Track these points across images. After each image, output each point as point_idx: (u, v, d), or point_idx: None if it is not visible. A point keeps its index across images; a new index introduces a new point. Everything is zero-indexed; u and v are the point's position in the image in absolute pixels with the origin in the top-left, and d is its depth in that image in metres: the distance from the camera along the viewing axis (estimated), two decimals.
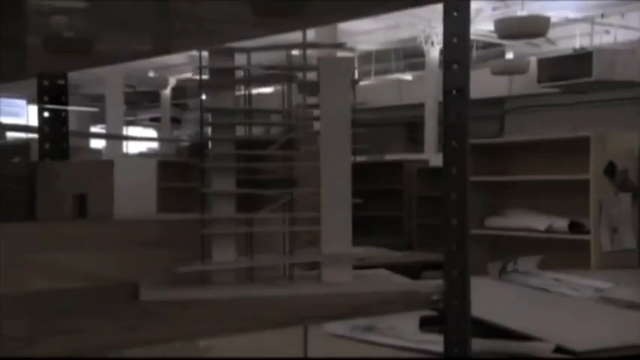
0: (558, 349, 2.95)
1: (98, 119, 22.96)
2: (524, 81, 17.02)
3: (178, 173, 7.91)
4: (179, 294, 1.54)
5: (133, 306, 1.49)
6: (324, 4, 1.82)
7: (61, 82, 2.34)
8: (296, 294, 1.57)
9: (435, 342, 2.87)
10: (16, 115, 23.03)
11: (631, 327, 3.36)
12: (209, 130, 1.68)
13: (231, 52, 1.67)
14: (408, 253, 6.88)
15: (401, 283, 1.93)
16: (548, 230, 5.22)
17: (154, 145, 10.98)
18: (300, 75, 1.74)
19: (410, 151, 17.86)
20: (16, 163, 1.85)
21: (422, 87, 17.88)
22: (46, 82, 2.31)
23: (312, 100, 1.76)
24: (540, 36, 13.19)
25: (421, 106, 17.68)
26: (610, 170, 5.18)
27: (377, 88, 20.15)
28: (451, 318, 1.57)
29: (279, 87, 1.75)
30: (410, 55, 19.70)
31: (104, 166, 2.00)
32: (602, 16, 15.66)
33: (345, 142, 1.75)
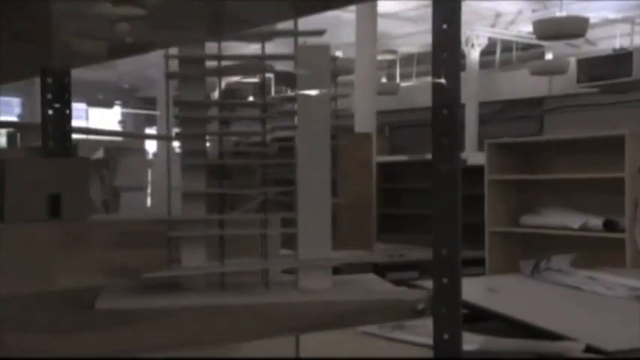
0: (589, 349, 2.81)
1: (153, 121, 23.18)
2: (563, 81, 16.80)
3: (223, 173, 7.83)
4: (138, 303, 1.37)
5: (89, 316, 1.33)
6: None
7: (66, 79, 2.25)
8: (268, 302, 1.43)
9: (465, 341, 2.76)
10: (78, 117, 23.39)
11: None
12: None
13: (201, 42, 1.55)
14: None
15: (385, 290, 1.76)
16: (583, 228, 5.06)
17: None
18: (278, 66, 1.58)
19: None
20: None
21: (462, 88, 17.64)
22: (50, 80, 2.21)
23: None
24: (579, 36, 12.94)
25: (462, 106, 17.48)
26: None
27: (419, 90, 20.00)
28: (440, 327, 1.41)
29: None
30: None
31: (80, 164, 1.88)
32: None
33: (323, 135, 1.54)
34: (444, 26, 1.47)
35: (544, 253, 4.40)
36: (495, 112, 18.63)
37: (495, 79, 18.61)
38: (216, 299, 1.43)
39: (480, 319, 3.49)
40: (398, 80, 19.89)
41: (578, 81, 16.21)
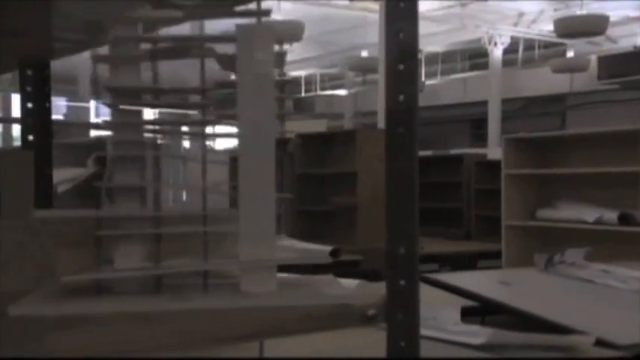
0: (599, 343, 2.69)
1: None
2: (585, 78, 16.65)
3: None
4: (55, 309, 1.19)
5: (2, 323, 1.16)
6: None
7: (46, 71, 2.08)
8: (200, 308, 1.23)
9: (472, 334, 2.66)
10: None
11: None
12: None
13: (134, 22, 1.34)
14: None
15: (336, 294, 1.54)
16: (598, 222, 4.92)
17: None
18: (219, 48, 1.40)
19: (475, 145, 17.54)
20: None
21: (485, 85, 17.55)
22: (29, 72, 2.07)
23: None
24: (599, 34, 12.73)
25: (484, 103, 17.35)
26: None
27: (443, 87, 19.89)
28: (395, 334, 1.24)
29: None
30: (474, 56, 19.35)
31: (23, 159, 1.74)
32: None
33: (267, 121, 1.35)
34: (400, 35, 1.24)
35: (559, 246, 4.28)
36: (518, 109, 18.47)
37: (518, 76, 18.44)
38: (143, 305, 1.24)
39: (492, 312, 3.39)
40: (423, 78, 19.76)
41: (599, 78, 16.03)
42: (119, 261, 1.29)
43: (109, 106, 1.33)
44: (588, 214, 4.96)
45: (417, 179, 1.29)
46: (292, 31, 11.69)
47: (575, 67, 15.98)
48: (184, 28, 1.51)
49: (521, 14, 16.00)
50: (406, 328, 1.23)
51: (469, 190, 8.22)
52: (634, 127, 4.93)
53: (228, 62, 1.38)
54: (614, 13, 13.43)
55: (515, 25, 16.62)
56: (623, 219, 4.93)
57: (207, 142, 1.56)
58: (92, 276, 1.29)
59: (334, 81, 23.13)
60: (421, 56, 19.77)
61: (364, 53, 16.12)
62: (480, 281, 3.63)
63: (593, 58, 16.25)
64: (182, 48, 1.40)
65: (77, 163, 5.56)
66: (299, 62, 21.76)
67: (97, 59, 1.32)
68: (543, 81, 17.45)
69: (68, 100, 22.38)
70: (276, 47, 1.37)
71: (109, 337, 1.16)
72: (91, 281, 1.28)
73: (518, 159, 5.20)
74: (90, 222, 1.32)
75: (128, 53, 1.31)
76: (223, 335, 1.21)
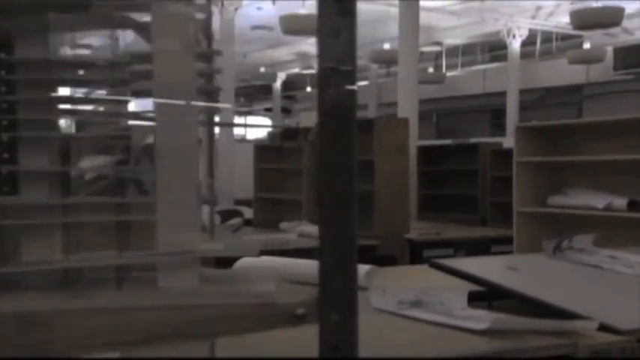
0: (603, 328, 2.59)
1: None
2: (601, 69, 16.45)
3: (273, 155, 7.76)
4: None
5: None
6: None
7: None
8: (110, 306, 1.06)
9: (476, 319, 2.57)
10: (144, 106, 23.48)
11: None
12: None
13: None
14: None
15: (262, 292, 1.32)
16: (608, 209, 4.79)
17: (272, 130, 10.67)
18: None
19: (494, 135, 17.36)
20: None
21: (504, 77, 17.37)
22: None
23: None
24: (614, 26, 12.48)
25: (503, 93, 17.17)
26: None
27: (463, 79, 19.72)
28: (329, 336, 1.05)
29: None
30: (493, 48, 19.16)
31: None
32: None
33: (186, 96, 1.15)
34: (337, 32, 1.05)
35: (569, 232, 4.16)
36: (536, 99, 18.25)
37: (535, 68, 18.23)
38: (40, 303, 1.08)
39: (499, 297, 3.30)
40: (444, 70, 19.59)
41: (615, 69, 15.83)
42: (26, 253, 1.13)
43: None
44: (598, 200, 4.83)
45: (354, 171, 1.16)
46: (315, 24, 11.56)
47: (591, 59, 15.77)
48: None
49: (538, 7, 15.78)
50: (342, 329, 1.04)
51: (485, 177, 8.12)
52: None
53: (146, 33, 1.21)
54: (630, 5, 13.17)
55: (533, 18, 16.40)
56: (633, 205, 4.80)
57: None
58: None
59: (359, 73, 22.95)
60: (442, 49, 19.61)
61: (386, 46, 15.97)
62: (487, 267, 3.54)
63: (609, 49, 16.03)
64: (99, 17, 1.24)
65: (105, 151, 5.51)
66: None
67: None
68: (560, 72, 17.25)
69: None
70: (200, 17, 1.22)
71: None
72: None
73: (529, 147, 5.08)
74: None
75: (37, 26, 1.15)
76: (131, 335, 1.07)
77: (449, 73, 19.43)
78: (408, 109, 9.44)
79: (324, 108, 1.07)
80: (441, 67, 19.94)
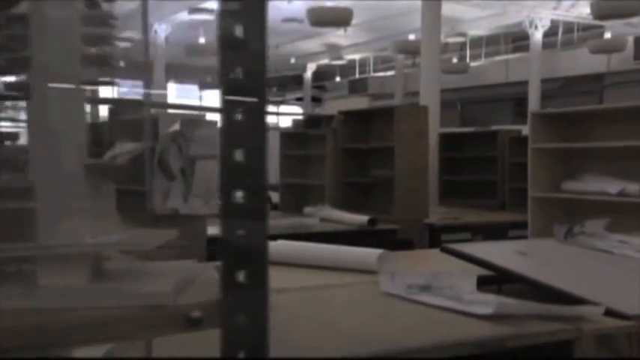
0: (609, 313, 2.47)
1: None
2: (621, 58, 16.16)
3: (298, 142, 7.68)
4: None
5: None
6: None
7: None
8: None
9: (482, 303, 2.46)
10: (193, 97, 23.81)
11: None
12: None
13: None
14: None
15: (152, 293, 1.09)
16: (621, 194, 4.63)
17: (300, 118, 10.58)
18: None
19: (517, 123, 17.11)
20: None
21: (526, 66, 17.10)
22: None
23: None
24: (634, 16, 12.17)
25: (525, 83, 16.90)
26: None
27: (487, 69, 19.47)
28: (234, 342, 0.86)
29: None
30: (516, 39, 18.87)
31: None
32: None
33: (67, 75, 0.98)
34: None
35: (583, 217, 4.03)
36: (557, 88, 17.95)
37: (557, 57, 17.93)
38: None
39: (508, 281, 3.19)
40: (468, 60, 19.34)
41: (635, 58, 15.53)
42: None
43: None
44: (611, 186, 4.67)
45: (265, 159, 0.93)
46: (341, 16, 11.48)
47: (612, 48, 15.50)
48: None
49: None
50: (251, 334, 0.86)
51: (504, 163, 7.99)
52: None
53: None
54: None
55: (555, 8, 16.10)
56: None
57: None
58: None
59: (387, 63, 22.84)
60: (466, 40, 19.36)
61: (411, 37, 15.80)
62: (498, 251, 3.42)
63: (630, 39, 15.72)
64: None
65: (134, 138, 5.47)
66: (354, 46, 21.53)
67: None
68: (581, 61, 16.97)
69: (145, 87, 22.55)
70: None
71: None
72: None
73: (544, 133, 4.93)
74: None
75: None
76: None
77: (473, 64, 19.19)
78: (430, 98, 9.31)
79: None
80: (465, 57, 19.69)
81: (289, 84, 26.81)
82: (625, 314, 2.48)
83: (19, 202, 1.03)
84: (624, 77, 16.64)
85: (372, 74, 23.58)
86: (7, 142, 1.19)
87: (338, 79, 24.61)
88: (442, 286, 2.84)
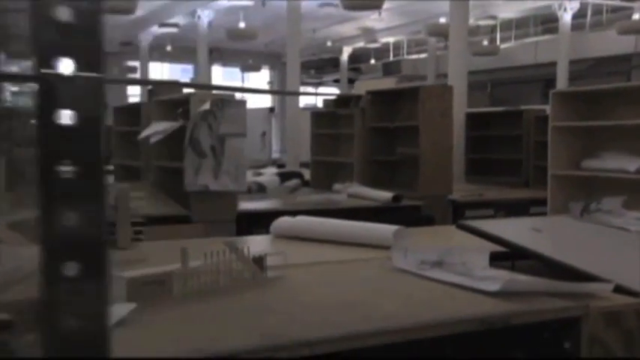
0: (619, 290, 2.33)
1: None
2: None
3: (328, 121, 7.57)
4: None
5: None
6: None
7: None
8: None
9: (491, 280, 2.35)
10: (235, 79, 23.87)
11: None
12: None
13: None
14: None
15: None
16: (639, 171, 4.45)
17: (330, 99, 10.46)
18: None
19: (546, 103, 16.74)
20: None
21: (555, 48, 16.70)
22: None
23: None
24: None
25: (554, 64, 16.52)
26: None
27: (516, 50, 19.09)
28: (61, 351, 0.63)
29: None
30: (546, 21, 18.43)
31: None
32: None
33: None
34: None
35: (601, 195, 3.86)
36: (586, 69, 17.52)
37: (586, 39, 17.46)
38: None
39: (521, 257, 3.06)
40: (498, 42, 18.95)
41: None
42: None
43: None
44: (630, 164, 4.49)
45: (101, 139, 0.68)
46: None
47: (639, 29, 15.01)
48: None
49: None
50: (80, 339, 0.64)
51: (529, 142, 7.80)
52: None
53: None
54: None
55: None
56: None
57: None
58: None
59: (420, 46, 22.54)
60: (496, 22, 18.96)
61: (442, 20, 15.53)
62: (513, 228, 3.29)
63: None
64: None
65: (169, 117, 5.45)
66: (388, 30, 21.28)
67: None
68: (610, 42, 16.50)
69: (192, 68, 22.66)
70: None
71: None
72: None
73: (565, 112, 4.76)
74: None
75: None
76: None
77: (503, 46, 18.80)
78: (457, 79, 9.14)
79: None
80: (495, 40, 19.32)
81: (326, 66, 26.70)
82: (635, 291, 2.34)
83: None
84: None
85: (406, 57, 23.30)
86: None
87: (373, 61, 24.37)
88: (455, 262, 2.73)
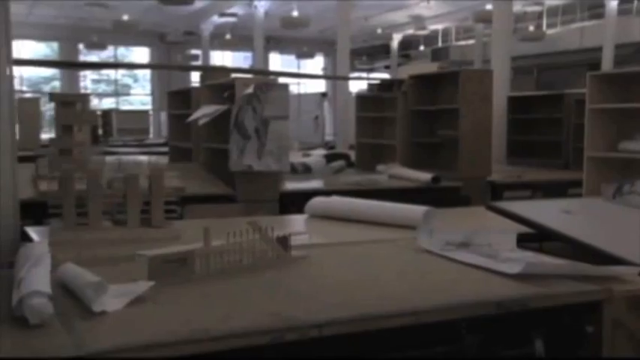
0: None
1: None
2: None
3: (372, 105, 7.42)
4: None
5: None
6: None
7: None
8: None
9: (515, 262, 2.21)
10: (291, 66, 23.93)
11: None
12: None
13: None
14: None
15: None
16: None
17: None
18: None
19: None
20: None
21: (600, 33, 16.10)
22: None
23: None
24: None
25: (600, 49, 15.94)
26: None
27: (562, 35, 18.49)
28: None
29: None
30: (592, 7, 17.77)
31: None
32: None
33: None
34: None
35: (634, 177, 3.65)
36: (631, 54, 16.84)
37: (632, 23, 16.78)
38: None
39: (550, 238, 2.90)
40: (544, 28, 18.38)
41: None
42: None
43: None
44: None
45: None
46: None
47: None
48: None
49: None
50: None
51: (569, 124, 7.52)
52: None
53: None
54: None
55: None
56: None
57: None
58: None
59: (467, 33, 22.08)
60: (543, 8, 18.39)
61: (488, 7, 15.12)
62: (542, 210, 3.12)
63: None
64: None
65: (217, 101, 5.40)
66: (436, 17, 20.89)
67: None
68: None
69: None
70: None
71: None
72: None
73: (602, 94, 4.51)
74: None
75: None
76: None
77: (549, 31, 18.24)
78: (500, 64, 8.88)
79: None
80: (541, 25, 18.75)
81: (378, 53, 26.43)
82: None
83: None
84: None
85: (454, 43, 22.85)
86: None
87: (422, 48, 23.97)
88: (482, 243, 2.59)
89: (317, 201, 3.37)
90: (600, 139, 4.52)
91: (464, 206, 4.60)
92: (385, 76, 26.23)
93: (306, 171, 6.52)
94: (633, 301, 2.03)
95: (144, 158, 7.23)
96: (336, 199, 3.35)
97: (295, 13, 15.79)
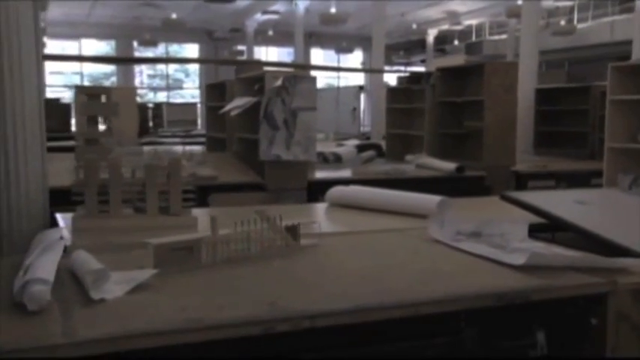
0: None
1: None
2: None
3: (402, 97, 7.28)
4: None
5: None
6: None
7: None
8: None
9: (521, 252, 2.09)
10: (332, 61, 23.74)
11: None
12: None
13: None
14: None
15: None
16: None
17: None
18: None
19: None
20: None
21: (631, 27, 15.53)
22: None
23: None
24: None
25: (629, 42, 15.38)
26: None
27: (593, 29, 17.94)
28: None
29: None
30: (623, 1, 17.18)
31: None
32: None
33: None
34: None
35: None
36: None
37: None
38: None
39: (563, 229, 2.75)
40: (575, 22, 17.85)
41: None
42: None
43: None
44: None
45: None
46: None
47: None
48: None
49: None
50: None
51: (595, 116, 7.26)
52: None
53: None
54: None
55: None
56: None
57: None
58: None
59: (501, 28, 21.60)
60: (574, 3, 17.87)
61: (520, 2, 14.73)
62: (556, 200, 2.97)
63: None
64: None
65: (249, 93, 5.33)
66: (470, 13, 20.49)
67: None
68: None
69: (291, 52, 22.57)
70: None
71: None
72: None
73: (622, 85, 4.31)
74: None
75: None
76: None
77: (580, 25, 17.70)
78: (528, 57, 8.64)
79: None
80: (572, 20, 18.21)
81: (414, 48, 26.09)
82: None
83: None
84: None
85: (487, 37, 22.40)
86: None
87: (456, 42, 23.57)
88: (493, 232, 2.47)
89: (336, 190, 3.28)
90: (620, 130, 4.32)
91: (484, 196, 4.45)
92: (421, 69, 25.92)
93: (337, 160, 6.43)
94: (638, 294, 1.89)
95: (179, 148, 7.22)
96: (354, 188, 3.25)
97: (333, 10, 15.64)
